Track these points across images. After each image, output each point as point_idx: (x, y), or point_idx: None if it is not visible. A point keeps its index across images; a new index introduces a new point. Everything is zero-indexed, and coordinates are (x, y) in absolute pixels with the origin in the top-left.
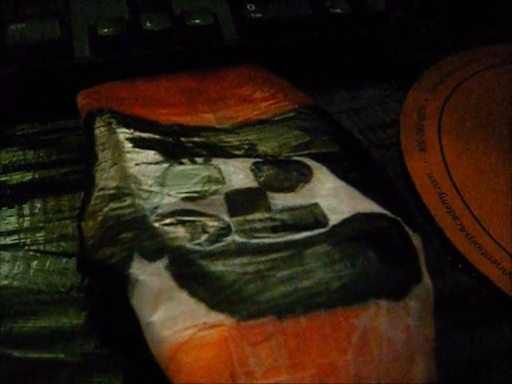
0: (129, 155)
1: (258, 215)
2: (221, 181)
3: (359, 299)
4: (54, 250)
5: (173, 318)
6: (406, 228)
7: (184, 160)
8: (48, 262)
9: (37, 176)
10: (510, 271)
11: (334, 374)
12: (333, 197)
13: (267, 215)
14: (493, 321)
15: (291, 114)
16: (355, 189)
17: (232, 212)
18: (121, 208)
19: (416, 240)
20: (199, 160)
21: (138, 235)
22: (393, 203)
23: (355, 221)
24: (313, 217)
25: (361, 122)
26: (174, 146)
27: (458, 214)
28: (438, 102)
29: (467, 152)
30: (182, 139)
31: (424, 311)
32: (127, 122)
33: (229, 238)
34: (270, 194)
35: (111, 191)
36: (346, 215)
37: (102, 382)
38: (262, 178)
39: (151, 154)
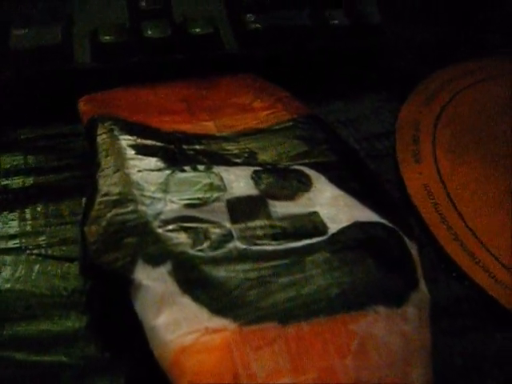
0: (131, 162)
1: (258, 222)
2: (222, 188)
3: (358, 306)
4: (55, 254)
5: (176, 322)
6: (403, 237)
7: (186, 167)
8: (50, 266)
9: (38, 181)
10: (503, 280)
11: (333, 378)
12: (332, 206)
13: (268, 222)
14: (485, 328)
15: (290, 124)
16: (353, 198)
17: (233, 219)
18: (124, 214)
19: (413, 248)
20: (201, 167)
21: (142, 241)
22: (390, 212)
23: (354, 229)
24: (312, 225)
25: (356, 132)
26: (176, 153)
27: (452, 224)
28: (433, 115)
29: (462, 163)
30: (184, 147)
31: (421, 318)
32: (129, 128)
33: (231, 245)
34: (271, 202)
35: (114, 197)
36: (344, 224)
37: None
38: (263, 186)
39: (153, 161)
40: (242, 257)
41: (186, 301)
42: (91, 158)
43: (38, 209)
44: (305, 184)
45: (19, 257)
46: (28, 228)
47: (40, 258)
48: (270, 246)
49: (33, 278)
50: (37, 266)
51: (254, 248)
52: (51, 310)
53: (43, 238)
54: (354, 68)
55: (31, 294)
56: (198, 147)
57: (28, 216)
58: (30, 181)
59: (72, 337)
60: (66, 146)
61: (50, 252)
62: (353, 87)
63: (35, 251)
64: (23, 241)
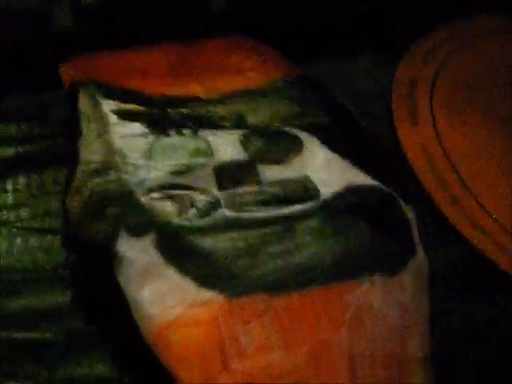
0: (114, 128)
1: (247, 188)
2: (209, 153)
3: (352, 275)
4: (38, 226)
5: (161, 295)
6: (399, 201)
7: (171, 132)
8: (32, 239)
9: (20, 151)
10: (503, 243)
11: (327, 351)
12: (324, 169)
13: (257, 188)
14: (484, 291)
15: (281, 84)
16: (347, 160)
17: (221, 185)
18: (106, 183)
19: (409, 213)
20: (186, 132)
21: (124, 211)
22: (385, 175)
23: (347, 194)
24: (304, 189)
25: (352, 92)
26: (161, 117)
27: (451, 186)
28: (430, 73)
29: (460, 123)
30: (169, 111)
31: (418, 286)
32: (112, 93)
33: (218, 213)
34: (260, 167)
35: (96, 165)
36: (337, 188)
37: (91, 359)
38: (252, 150)
39: (137, 127)
40: (229, 225)
41: (171, 272)
42: (73, 125)
43: (20, 180)
44: (296, 147)
45: (0, 230)
46: (9, 201)
47: (22, 231)
48: (260, 213)
49: (15, 252)
50: (19, 240)
51: (243, 215)
52: (34, 285)
53: (26, 210)
54: (350, 27)
55: (14, 269)
56: (183, 111)
57: (9, 187)
58: (11, 151)
59: (56, 312)
60: (48, 114)
61: (32, 224)
62: (349, 47)
63: (17, 224)
64: (4, 213)
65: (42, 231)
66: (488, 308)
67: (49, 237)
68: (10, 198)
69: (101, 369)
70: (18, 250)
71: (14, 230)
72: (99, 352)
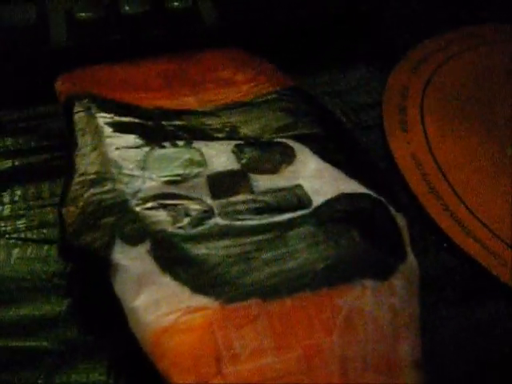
0: (109, 140)
1: (240, 197)
2: (202, 163)
3: (344, 280)
4: (35, 237)
5: (156, 302)
6: (390, 208)
7: (165, 143)
8: (29, 250)
9: (16, 163)
10: (494, 250)
11: (319, 354)
12: (316, 178)
13: (250, 197)
14: (477, 298)
15: (273, 96)
16: (338, 170)
17: (214, 195)
18: (102, 193)
19: (400, 220)
20: (180, 143)
21: (120, 220)
22: (376, 184)
23: (339, 201)
24: (296, 198)
25: (343, 103)
26: (155, 129)
27: (442, 193)
28: (420, 83)
29: (450, 132)
30: (163, 123)
31: (409, 290)
32: (107, 106)
33: (211, 221)
34: (253, 176)
35: (92, 176)
36: (329, 196)
37: (87, 368)
38: (244, 160)
39: (132, 138)
40: (223, 233)
41: (166, 280)
42: (69, 138)
43: (17, 192)
44: (288, 157)
45: None
46: (6, 212)
47: (19, 242)
48: (253, 221)
49: (12, 262)
50: (16, 250)
51: (236, 223)
52: (31, 294)
53: (22, 221)
54: (342, 39)
55: (11, 279)
56: (177, 123)
57: (6, 199)
58: (8, 163)
59: (53, 321)
60: (44, 127)
61: (29, 235)
62: (340, 58)
63: (14, 235)
64: (2, 225)
65: (39, 241)
66: (480, 314)
67: (45, 247)
68: (7, 210)
69: (97, 376)
70: (15, 260)
71: (12, 240)
72: (96, 360)
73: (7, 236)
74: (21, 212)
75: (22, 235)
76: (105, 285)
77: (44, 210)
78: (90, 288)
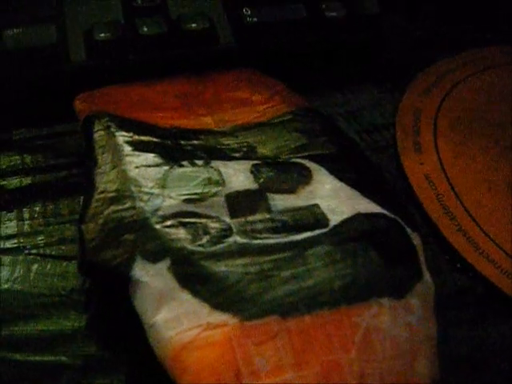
0: (128, 158)
1: (258, 216)
2: (221, 183)
3: (361, 298)
4: (54, 253)
5: (176, 318)
6: (405, 227)
7: (184, 162)
8: (48, 266)
9: (35, 180)
10: (508, 270)
11: (337, 371)
12: (333, 198)
13: (268, 216)
14: (490, 319)
15: (288, 117)
16: (354, 189)
17: (233, 213)
18: (122, 210)
19: (415, 239)
20: (199, 162)
21: (140, 237)
22: (391, 203)
23: (355, 221)
24: (313, 217)
25: (357, 124)
26: (174, 148)
27: (455, 214)
28: (434, 104)
29: (463, 152)
30: (181, 142)
31: (426, 309)
32: (126, 125)
33: (230, 239)
34: (270, 196)
35: (112, 194)
36: (346, 215)
37: (106, 383)
38: (262, 180)
39: (151, 157)
40: (241, 251)
41: (186, 296)
42: (88, 156)
43: (36, 208)
44: (305, 177)
45: (17, 257)
46: (26, 228)
47: (38, 258)
48: (271, 240)
49: (31, 277)
50: (35, 266)
51: (254, 242)
52: (50, 310)
53: (41, 237)
54: (352, 60)
55: (30, 294)
56: (195, 142)
57: (26, 216)
58: (27, 180)
59: (71, 336)
60: (62, 144)
61: (48, 251)
62: (352, 80)
63: (33, 251)
64: (21, 241)
65: (58, 257)
66: (493, 334)
67: (64, 263)
68: (26, 226)
69: None
70: (34, 275)
71: (31, 256)
72: (114, 375)
73: (26, 252)
74: (40, 228)
75: (41, 251)
76: (123, 301)
77: (63, 226)
78: (109, 304)
